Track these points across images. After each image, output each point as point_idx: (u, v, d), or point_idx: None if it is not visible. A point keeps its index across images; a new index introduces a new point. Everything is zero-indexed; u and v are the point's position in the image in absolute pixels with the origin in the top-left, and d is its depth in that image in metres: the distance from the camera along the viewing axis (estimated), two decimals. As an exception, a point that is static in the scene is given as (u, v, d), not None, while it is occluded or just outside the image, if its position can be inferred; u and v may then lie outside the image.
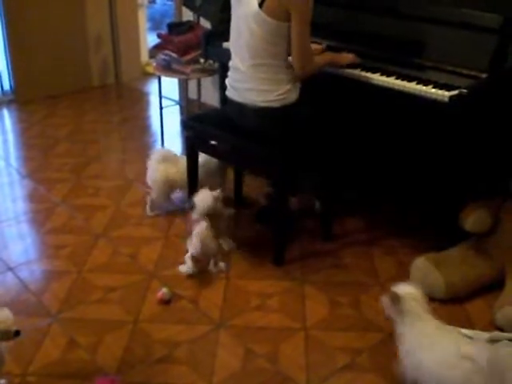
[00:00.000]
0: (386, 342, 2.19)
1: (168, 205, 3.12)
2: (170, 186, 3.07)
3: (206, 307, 2.39)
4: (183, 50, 3.93)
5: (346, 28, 2.89)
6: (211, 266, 2.59)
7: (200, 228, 2.58)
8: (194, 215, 2.62)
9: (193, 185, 2.95)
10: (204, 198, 2.61)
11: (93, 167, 3.72)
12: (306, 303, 2.42)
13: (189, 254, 2.57)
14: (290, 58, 2.58)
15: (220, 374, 2.04)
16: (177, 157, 3.18)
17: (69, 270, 2.62)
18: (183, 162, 2.99)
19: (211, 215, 2.60)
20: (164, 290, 2.42)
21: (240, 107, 2.64)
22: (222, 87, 2.85)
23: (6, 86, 5.01)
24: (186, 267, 2.57)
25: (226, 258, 2.69)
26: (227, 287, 2.52)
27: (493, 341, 2.14)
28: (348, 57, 2.72)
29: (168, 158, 3.11)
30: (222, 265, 2.62)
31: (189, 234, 2.65)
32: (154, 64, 4.27)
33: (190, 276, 2.56)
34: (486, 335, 2.18)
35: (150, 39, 5.90)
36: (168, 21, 4.60)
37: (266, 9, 2.39)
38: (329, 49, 2.84)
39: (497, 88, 2.45)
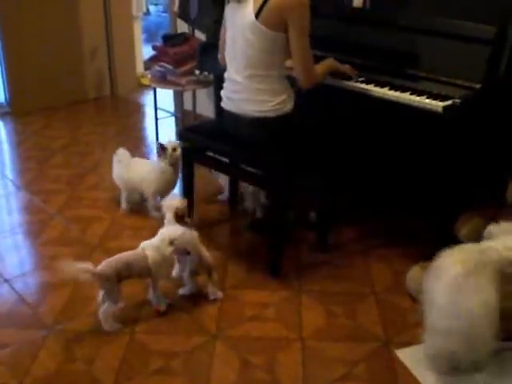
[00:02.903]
0: (383, 352, 2.20)
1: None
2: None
3: (202, 318, 2.39)
4: (178, 62, 3.96)
5: (341, 40, 2.92)
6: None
7: None
8: None
9: (189, 196, 2.96)
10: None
11: (88, 179, 3.73)
12: (303, 313, 2.42)
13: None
14: (287, 70, 2.59)
15: (217, 385, 2.04)
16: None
17: (64, 282, 2.61)
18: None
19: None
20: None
21: (236, 118, 2.65)
22: (218, 98, 2.86)
23: (2, 98, 5.03)
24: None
25: (222, 268, 2.69)
26: (223, 298, 2.51)
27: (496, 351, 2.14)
28: (345, 66, 2.74)
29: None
30: (215, 295, 2.51)
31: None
32: (150, 76, 4.29)
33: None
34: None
35: (145, 51, 5.93)
36: (163, 32, 4.63)
37: (262, 19, 2.41)
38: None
39: (490, 98, 2.47)
